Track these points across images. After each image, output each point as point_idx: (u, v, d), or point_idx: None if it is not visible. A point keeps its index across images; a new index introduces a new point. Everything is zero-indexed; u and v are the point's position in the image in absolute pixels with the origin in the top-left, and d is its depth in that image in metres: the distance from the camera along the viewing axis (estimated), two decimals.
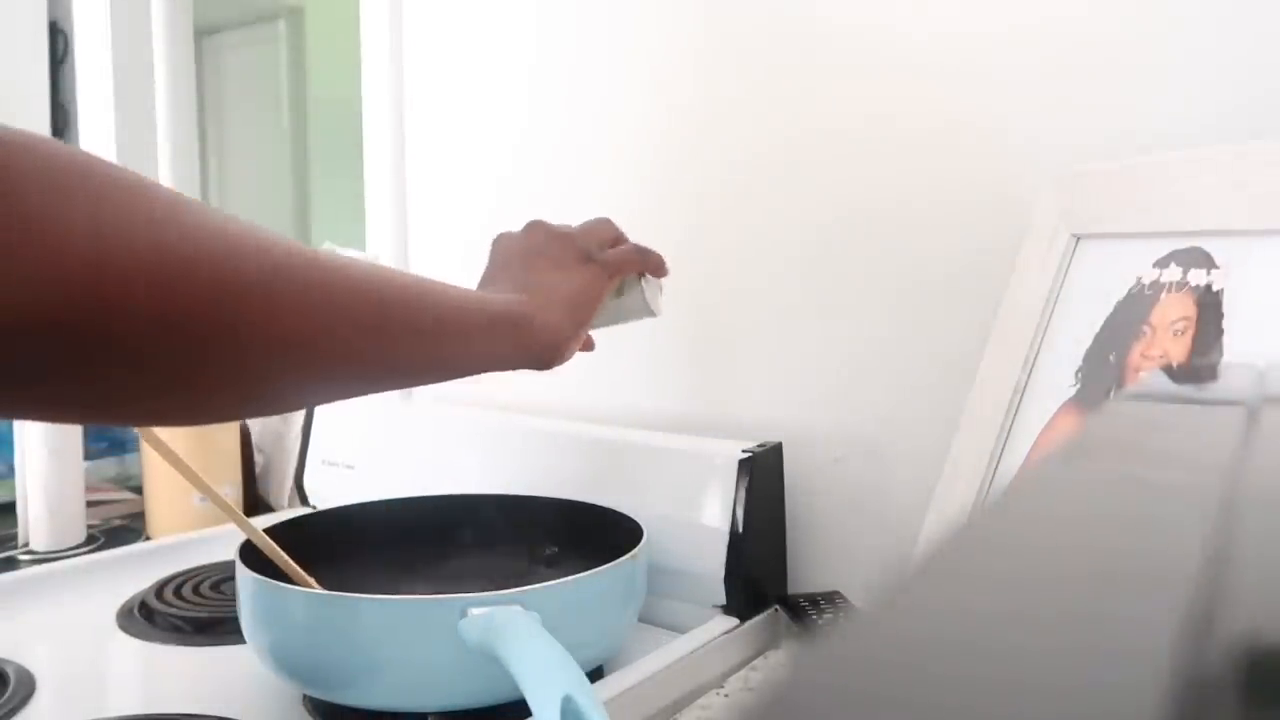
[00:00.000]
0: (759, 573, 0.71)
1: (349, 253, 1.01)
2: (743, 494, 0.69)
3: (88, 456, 0.97)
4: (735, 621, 0.68)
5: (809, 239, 0.76)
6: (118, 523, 1.00)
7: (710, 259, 0.81)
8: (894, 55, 0.71)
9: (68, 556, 0.85)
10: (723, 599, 0.69)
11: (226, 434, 0.97)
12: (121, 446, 1.12)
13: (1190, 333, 0.48)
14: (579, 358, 0.58)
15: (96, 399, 0.34)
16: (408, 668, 0.53)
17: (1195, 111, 0.58)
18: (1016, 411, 0.57)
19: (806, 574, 0.75)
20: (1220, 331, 0.47)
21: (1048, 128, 0.64)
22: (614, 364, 0.88)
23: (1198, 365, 0.47)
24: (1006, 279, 0.61)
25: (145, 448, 0.95)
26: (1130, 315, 0.52)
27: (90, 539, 0.92)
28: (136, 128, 1.36)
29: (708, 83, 0.81)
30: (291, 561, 0.59)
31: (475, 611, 0.51)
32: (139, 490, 1.00)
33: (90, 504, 0.95)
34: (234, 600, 0.60)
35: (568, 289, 0.55)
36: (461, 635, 0.51)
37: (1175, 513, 0.17)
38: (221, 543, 0.84)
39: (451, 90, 1.01)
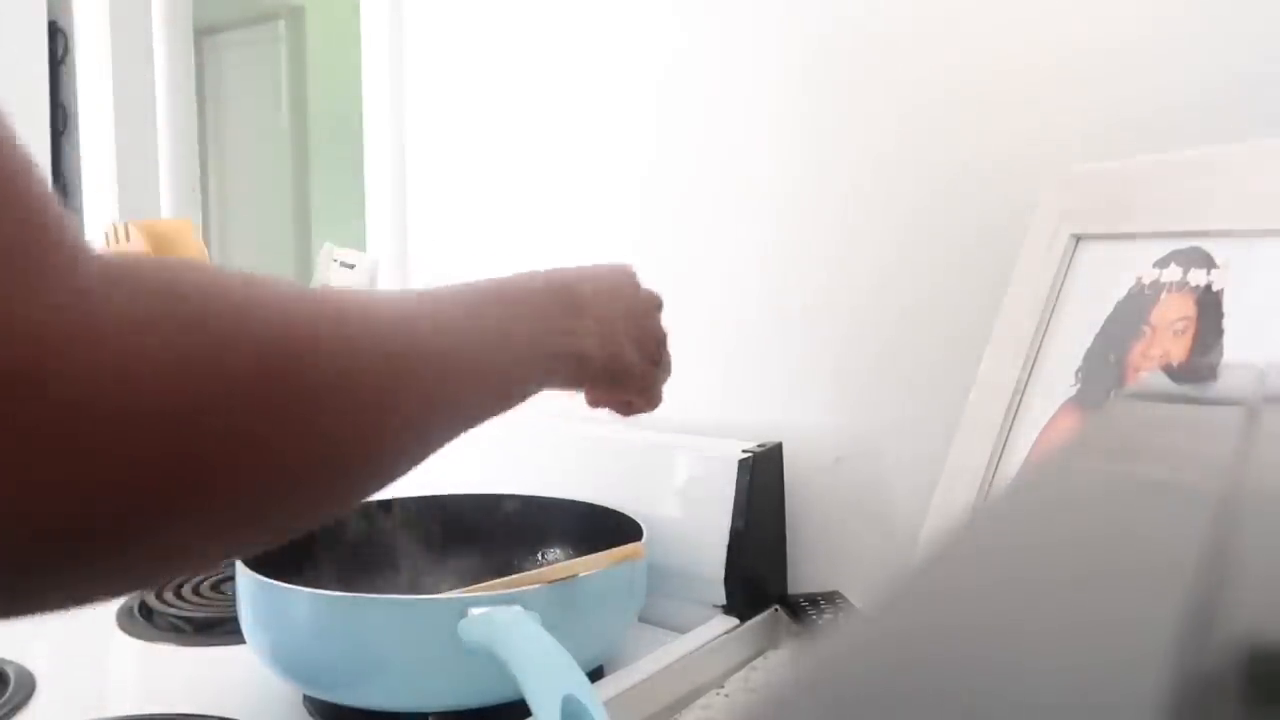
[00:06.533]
0: (759, 573, 0.71)
1: (345, 253, 1.01)
2: (743, 494, 0.69)
3: None
4: (735, 621, 0.68)
5: (809, 240, 0.76)
6: None
7: (710, 261, 0.81)
8: (893, 56, 0.71)
9: None
10: (723, 599, 0.69)
11: None
12: None
13: (1190, 333, 0.48)
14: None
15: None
16: (408, 668, 0.53)
17: (1195, 111, 0.58)
18: (1016, 411, 0.57)
19: (806, 574, 0.75)
20: (1220, 331, 0.47)
21: (1048, 128, 0.64)
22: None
23: (1198, 365, 0.47)
24: (1006, 279, 0.61)
25: None
26: (1130, 315, 0.52)
27: None
28: (136, 128, 1.36)
29: (706, 83, 0.81)
30: None
31: (475, 611, 0.51)
32: None
33: None
34: (234, 600, 0.60)
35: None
36: (461, 635, 0.51)
37: (1175, 512, 0.17)
38: None
39: (452, 89, 1.01)
